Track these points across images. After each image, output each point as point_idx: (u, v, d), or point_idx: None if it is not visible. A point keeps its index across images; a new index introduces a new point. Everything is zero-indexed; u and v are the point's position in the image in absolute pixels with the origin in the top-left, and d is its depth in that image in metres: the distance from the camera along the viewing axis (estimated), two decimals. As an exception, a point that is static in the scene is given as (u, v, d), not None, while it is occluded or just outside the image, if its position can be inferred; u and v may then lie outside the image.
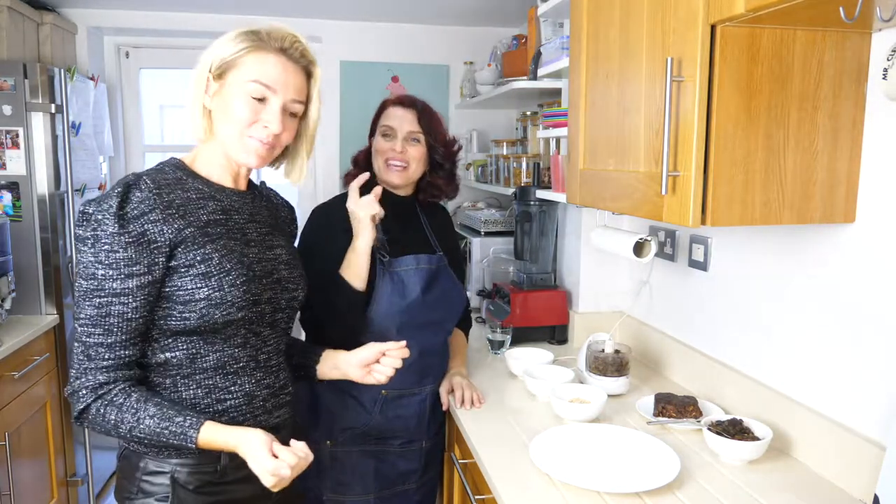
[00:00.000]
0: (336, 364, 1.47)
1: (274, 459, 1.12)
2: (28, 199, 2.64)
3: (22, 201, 2.63)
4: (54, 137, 2.66)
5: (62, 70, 2.69)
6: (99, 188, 3.11)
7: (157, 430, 1.14)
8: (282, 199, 1.48)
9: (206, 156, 1.27)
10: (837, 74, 1.23)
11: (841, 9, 1.00)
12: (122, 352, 1.15)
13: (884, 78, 1.16)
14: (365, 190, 1.66)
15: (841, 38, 1.22)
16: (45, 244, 2.68)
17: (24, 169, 2.62)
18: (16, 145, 2.61)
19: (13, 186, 2.62)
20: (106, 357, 1.14)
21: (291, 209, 1.50)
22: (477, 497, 1.54)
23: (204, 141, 1.26)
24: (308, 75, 1.28)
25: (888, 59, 1.15)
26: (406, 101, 1.75)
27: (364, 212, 1.61)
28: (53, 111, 2.64)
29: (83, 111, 2.93)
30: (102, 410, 1.14)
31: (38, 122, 2.62)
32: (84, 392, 1.14)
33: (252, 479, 1.22)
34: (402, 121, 1.72)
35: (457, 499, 1.85)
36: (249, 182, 1.36)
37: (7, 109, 2.58)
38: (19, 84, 2.58)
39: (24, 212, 2.64)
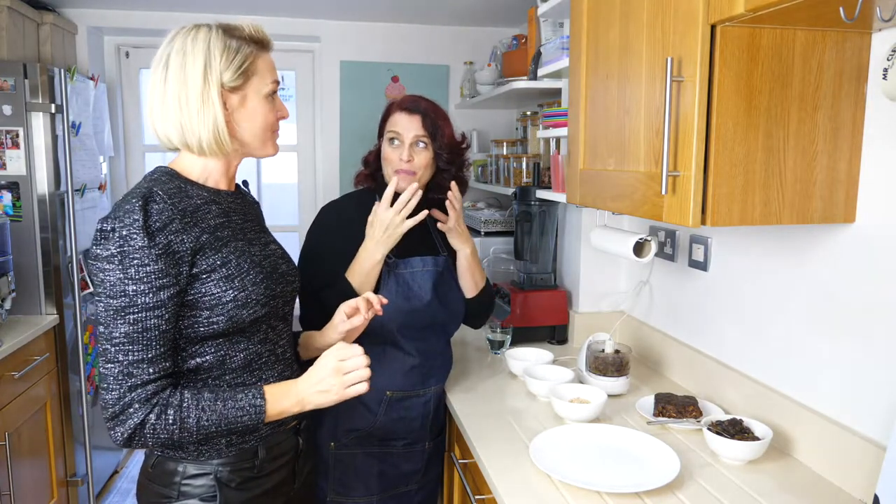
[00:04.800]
0: (316, 347, 1.49)
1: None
2: (28, 199, 2.64)
3: (22, 201, 2.64)
4: (54, 137, 2.66)
5: (62, 70, 2.69)
6: (99, 188, 3.11)
7: (224, 411, 1.16)
8: (252, 196, 1.49)
9: (200, 162, 1.25)
10: (837, 74, 1.23)
11: (841, 9, 1.00)
12: (164, 363, 1.15)
13: (884, 78, 1.16)
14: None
15: (841, 38, 1.22)
16: (45, 244, 2.68)
17: (24, 169, 2.62)
18: (16, 145, 2.61)
19: (13, 186, 2.62)
20: (150, 371, 1.13)
21: (259, 205, 1.51)
22: (477, 497, 1.54)
23: (227, 153, 1.25)
24: None
25: (888, 59, 1.15)
26: (410, 107, 1.72)
27: (391, 231, 1.62)
28: (53, 111, 2.64)
29: (83, 111, 2.93)
30: (162, 415, 1.12)
31: (38, 122, 2.62)
32: (137, 406, 1.11)
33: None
34: (407, 127, 1.70)
35: (457, 499, 1.85)
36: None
37: (7, 109, 2.59)
38: (19, 84, 2.58)
39: (24, 212, 2.64)
